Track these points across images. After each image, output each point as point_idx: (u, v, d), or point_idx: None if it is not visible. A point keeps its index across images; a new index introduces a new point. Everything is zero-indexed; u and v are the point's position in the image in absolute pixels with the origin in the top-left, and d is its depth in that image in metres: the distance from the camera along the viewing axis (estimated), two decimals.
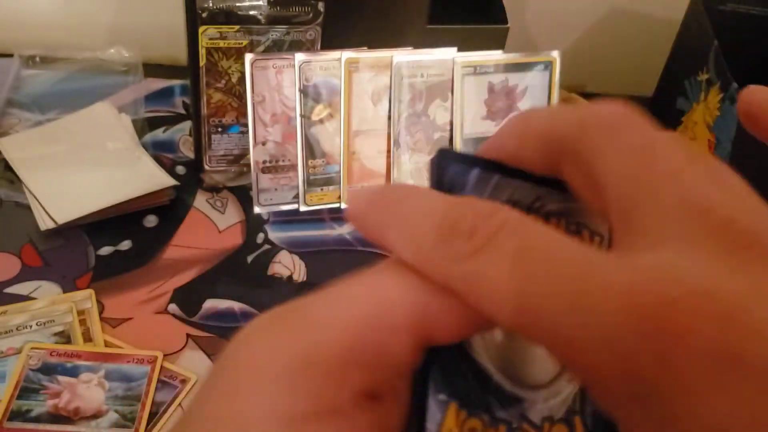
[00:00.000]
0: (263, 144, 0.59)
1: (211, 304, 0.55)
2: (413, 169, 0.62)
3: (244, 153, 0.62)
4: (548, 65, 0.61)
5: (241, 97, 0.60)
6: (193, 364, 0.50)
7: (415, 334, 0.17)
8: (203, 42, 0.58)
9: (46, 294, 0.53)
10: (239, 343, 0.18)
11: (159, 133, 0.67)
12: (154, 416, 0.47)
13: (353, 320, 0.17)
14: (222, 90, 0.60)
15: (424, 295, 0.17)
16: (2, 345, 0.49)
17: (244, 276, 0.57)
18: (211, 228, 0.60)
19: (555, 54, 0.61)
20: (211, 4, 0.57)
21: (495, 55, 0.61)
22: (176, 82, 0.72)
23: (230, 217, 0.61)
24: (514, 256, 0.15)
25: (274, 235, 0.61)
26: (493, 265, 0.15)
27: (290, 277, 0.58)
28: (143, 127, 0.67)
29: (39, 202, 0.57)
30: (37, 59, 0.71)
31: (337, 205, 0.62)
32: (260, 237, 0.60)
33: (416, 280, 0.17)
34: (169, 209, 0.60)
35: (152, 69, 0.72)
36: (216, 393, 0.17)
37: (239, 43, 0.59)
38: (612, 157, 0.16)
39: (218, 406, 0.17)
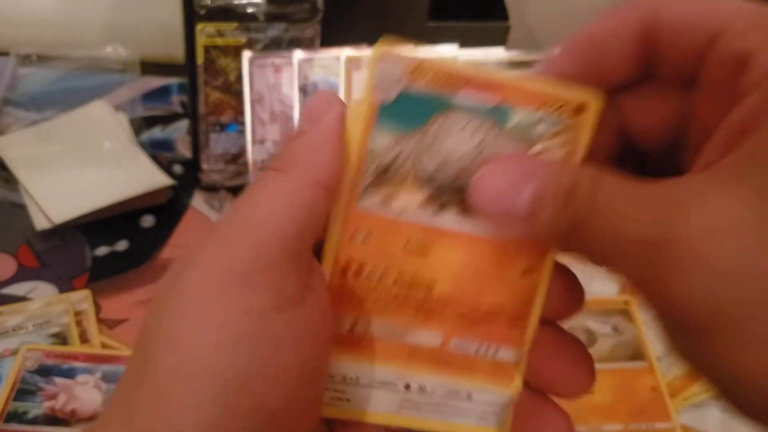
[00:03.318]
0: (262, 143, 0.59)
1: None
2: None
3: (243, 152, 0.62)
4: None
5: (240, 96, 0.59)
6: None
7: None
8: (201, 40, 0.57)
9: (42, 295, 0.53)
10: (187, 261, 0.20)
11: (156, 132, 0.67)
12: None
13: (287, 220, 0.20)
14: (220, 88, 0.60)
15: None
16: None
17: None
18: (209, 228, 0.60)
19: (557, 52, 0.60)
20: (209, 1, 0.56)
21: (497, 53, 0.60)
22: (174, 81, 0.71)
23: None
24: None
25: None
26: None
27: None
28: (140, 125, 0.66)
29: (35, 202, 0.57)
30: (34, 57, 0.70)
31: None
32: None
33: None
34: (167, 209, 0.60)
35: (149, 67, 0.72)
36: (182, 301, 0.19)
37: (237, 41, 0.58)
38: None
39: (187, 309, 0.19)
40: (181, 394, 0.17)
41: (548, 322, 0.24)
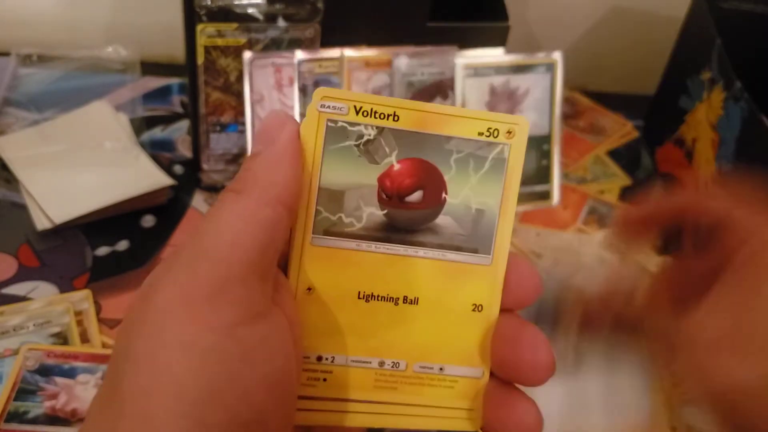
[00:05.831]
0: None
1: None
2: None
3: (243, 152, 0.62)
4: (550, 67, 0.60)
5: (240, 96, 0.59)
6: None
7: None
8: (201, 40, 0.57)
9: (43, 295, 0.53)
10: (153, 282, 0.20)
11: (157, 132, 0.67)
12: None
13: (250, 239, 0.20)
14: (220, 88, 0.60)
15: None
16: None
17: None
18: None
19: (557, 55, 0.60)
20: (209, 2, 0.56)
21: (496, 56, 0.60)
22: (174, 81, 0.71)
23: None
24: None
25: None
26: None
27: None
28: (141, 125, 0.66)
29: (36, 202, 0.57)
30: (34, 58, 0.70)
31: None
32: None
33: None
34: (167, 209, 0.60)
35: (150, 67, 0.72)
36: (149, 323, 0.19)
37: (237, 41, 0.58)
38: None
39: (154, 330, 0.19)
40: (155, 413, 0.18)
41: (506, 311, 0.24)
